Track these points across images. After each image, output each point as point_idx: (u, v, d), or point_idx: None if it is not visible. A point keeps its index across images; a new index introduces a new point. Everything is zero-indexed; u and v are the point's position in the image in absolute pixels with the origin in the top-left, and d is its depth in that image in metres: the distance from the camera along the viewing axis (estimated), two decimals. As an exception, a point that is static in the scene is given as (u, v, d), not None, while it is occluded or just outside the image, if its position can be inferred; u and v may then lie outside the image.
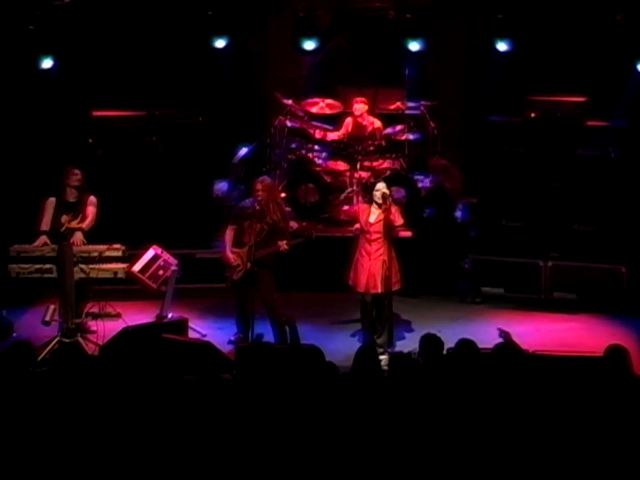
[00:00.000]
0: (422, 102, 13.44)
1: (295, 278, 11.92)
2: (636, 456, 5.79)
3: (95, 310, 10.02)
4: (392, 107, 13.53)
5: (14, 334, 10.31)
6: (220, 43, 13.82)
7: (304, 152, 13.42)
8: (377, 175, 12.67)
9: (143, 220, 12.69)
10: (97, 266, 9.93)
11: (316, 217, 13.01)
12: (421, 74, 14.22)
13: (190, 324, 10.35)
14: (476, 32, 14.34)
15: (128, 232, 11.26)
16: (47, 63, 12.98)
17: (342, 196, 13.01)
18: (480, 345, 7.08)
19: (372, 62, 14.36)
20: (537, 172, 12.63)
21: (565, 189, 12.55)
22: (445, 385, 6.39)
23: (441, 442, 5.86)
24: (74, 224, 10.44)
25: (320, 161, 13.34)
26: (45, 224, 10.28)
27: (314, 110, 13.48)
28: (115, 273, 10.02)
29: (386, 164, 13.21)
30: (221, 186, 13.79)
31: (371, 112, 13.37)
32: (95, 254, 9.99)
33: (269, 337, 10.22)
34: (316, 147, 13.38)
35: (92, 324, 10.17)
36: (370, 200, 10.21)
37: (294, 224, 12.16)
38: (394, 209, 10.13)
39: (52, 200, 10.45)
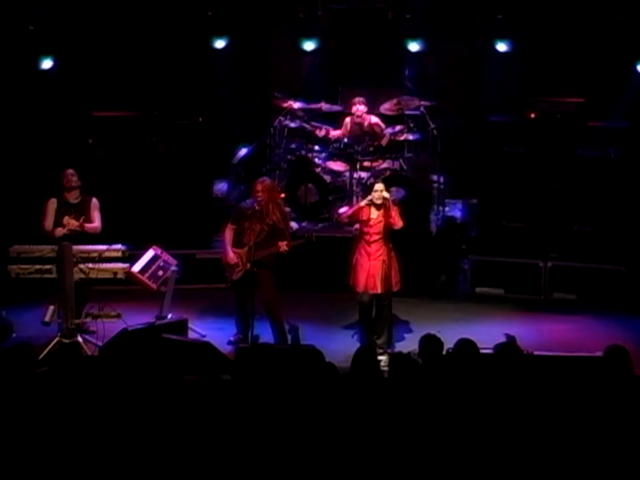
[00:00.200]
0: (422, 103, 13.43)
1: (296, 278, 11.92)
2: (636, 456, 5.78)
3: (94, 310, 10.00)
4: (393, 109, 13.53)
5: (14, 335, 10.30)
6: (220, 43, 13.84)
7: (303, 152, 13.42)
8: (377, 176, 12.67)
9: (143, 221, 12.69)
10: (96, 267, 9.93)
11: (316, 217, 13.02)
12: (421, 74, 14.24)
13: (190, 325, 10.34)
14: (476, 33, 14.35)
15: (128, 233, 11.26)
16: (47, 63, 13.01)
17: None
18: (480, 346, 7.08)
19: (372, 63, 14.37)
20: (537, 172, 12.63)
21: (565, 190, 12.56)
22: (445, 385, 6.39)
23: (441, 442, 5.86)
24: (76, 225, 10.45)
25: (320, 161, 13.34)
26: (49, 225, 10.30)
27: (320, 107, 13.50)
28: (115, 273, 10.03)
29: (385, 164, 13.21)
30: (221, 186, 13.81)
31: (370, 111, 13.36)
32: (95, 255, 10.00)
33: (269, 337, 10.21)
34: (316, 147, 13.38)
35: (92, 325, 10.16)
36: (369, 201, 10.19)
37: (293, 225, 12.17)
38: (394, 212, 10.12)
39: (53, 201, 10.46)
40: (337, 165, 13.32)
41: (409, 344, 9.95)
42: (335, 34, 14.40)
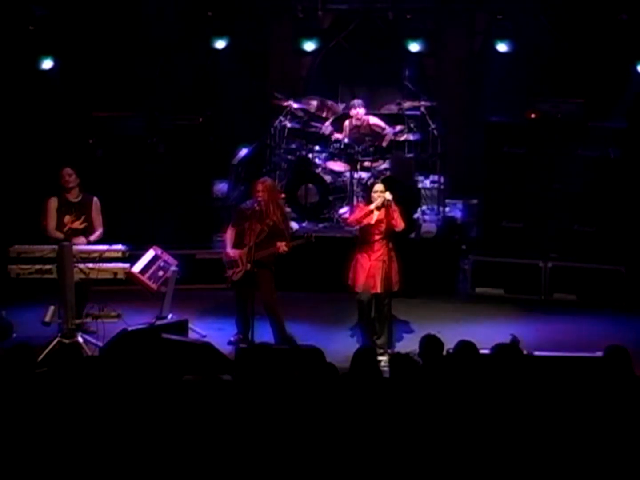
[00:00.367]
0: (422, 103, 13.43)
1: (296, 278, 11.92)
2: (637, 456, 5.78)
3: (95, 311, 10.01)
4: (392, 107, 13.53)
5: (14, 335, 10.30)
6: (220, 43, 13.83)
7: (304, 152, 13.42)
8: (377, 176, 12.67)
9: (143, 221, 12.69)
10: (97, 267, 9.93)
11: (316, 217, 13.02)
12: (421, 74, 14.24)
13: (190, 325, 10.34)
14: (476, 33, 14.35)
15: (128, 233, 11.26)
16: (47, 64, 12.99)
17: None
18: (480, 346, 7.08)
19: (372, 63, 14.38)
20: (537, 173, 12.62)
21: (565, 190, 12.55)
22: (445, 386, 6.39)
23: (441, 443, 5.86)
24: (76, 225, 10.45)
25: (320, 162, 13.34)
26: (53, 228, 10.31)
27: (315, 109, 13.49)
28: (115, 274, 10.03)
29: (386, 165, 13.22)
30: (221, 187, 13.80)
31: (369, 112, 13.36)
32: (96, 255, 10.00)
33: (269, 337, 10.21)
34: (316, 147, 13.39)
35: (92, 325, 10.16)
36: (368, 201, 10.20)
37: (294, 225, 12.18)
38: (395, 214, 10.13)
39: (53, 200, 10.45)
40: (337, 166, 13.32)
41: (409, 344, 9.95)
42: (335, 34, 14.40)
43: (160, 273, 10.36)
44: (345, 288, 10.46)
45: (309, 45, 14.03)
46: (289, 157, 13.64)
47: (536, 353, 8.19)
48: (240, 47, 14.20)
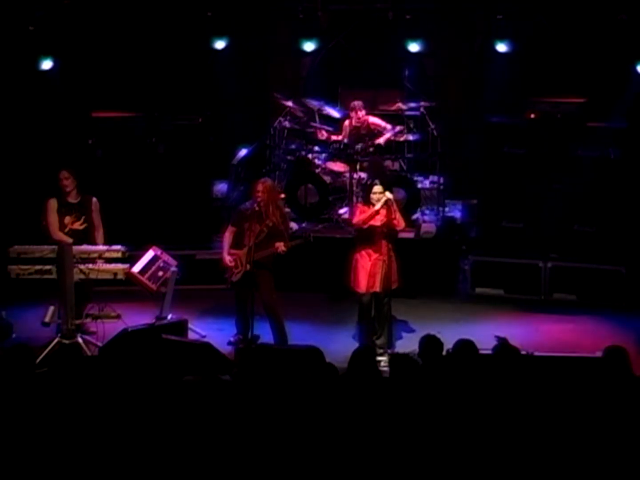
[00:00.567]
0: (422, 103, 13.43)
1: (296, 279, 11.93)
2: (636, 456, 5.78)
3: (94, 311, 10.02)
4: (392, 108, 13.52)
5: (14, 335, 10.30)
6: (220, 44, 13.83)
7: (303, 153, 13.42)
8: (376, 177, 12.66)
9: (143, 221, 12.69)
10: (96, 267, 9.93)
11: (316, 217, 13.02)
12: (421, 75, 14.24)
13: (190, 325, 10.34)
14: (476, 33, 14.35)
15: (128, 233, 11.26)
16: (47, 64, 13.00)
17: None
18: (479, 347, 7.08)
19: (372, 63, 14.37)
20: (537, 173, 12.62)
21: (565, 190, 12.55)
22: (445, 386, 6.39)
23: (441, 443, 5.86)
24: (77, 226, 10.45)
25: (319, 162, 13.34)
26: (56, 230, 10.30)
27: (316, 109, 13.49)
28: (115, 274, 10.03)
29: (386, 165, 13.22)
30: (221, 187, 13.80)
31: (369, 112, 13.35)
32: (95, 255, 10.00)
33: (269, 337, 10.22)
34: (316, 147, 13.39)
35: (92, 325, 10.16)
36: (367, 201, 10.20)
37: (293, 225, 12.17)
38: (397, 213, 10.14)
39: (52, 202, 10.44)
40: (337, 166, 13.32)
41: (408, 344, 9.95)
42: (335, 34, 14.40)
43: (160, 273, 10.36)
44: (345, 288, 10.47)
45: (309, 46, 14.02)
46: (289, 157, 13.64)
47: (536, 353, 8.19)
48: (240, 47, 14.19)
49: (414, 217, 12.90)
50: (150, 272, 10.32)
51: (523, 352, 7.47)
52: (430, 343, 7.01)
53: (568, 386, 6.51)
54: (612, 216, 12.36)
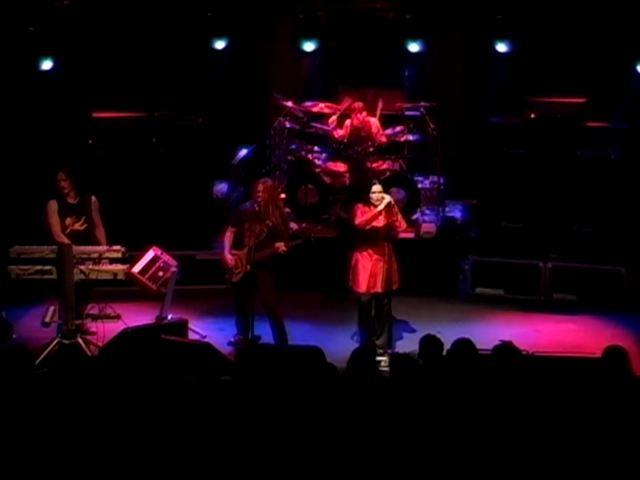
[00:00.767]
0: (422, 103, 13.43)
1: (296, 279, 11.93)
2: (636, 457, 5.78)
3: (95, 311, 10.02)
4: (392, 107, 13.53)
5: (14, 336, 10.31)
6: (220, 44, 13.83)
7: (303, 153, 13.42)
8: (376, 177, 12.66)
9: (143, 222, 12.69)
10: (96, 267, 9.93)
11: (316, 218, 13.02)
12: (421, 75, 14.24)
13: (190, 325, 10.34)
14: (476, 33, 14.35)
15: (128, 234, 11.25)
16: (47, 64, 13.00)
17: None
18: (480, 347, 7.08)
19: (372, 63, 14.38)
20: (536, 173, 12.63)
21: (565, 190, 12.55)
22: (445, 386, 6.39)
23: (441, 443, 5.86)
24: (77, 226, 10.45)
25: (319, 162, 13.34)
26: (58, 233, 10.29)
27: (315, 109, 13.47)
28: (115, 274, 10.02)
29: (386, 165, 13.22)
30: (221, 187, 13.81)
31: (370, 113, 13.34)
32: (95, 256, 10.00)
33: (269, 337, 10.22)
34: (316, 147, 13.39)
35: (92, 325, 10.16)
36: (367, 202, 10.20)
37: (293, 225, 12.17)
38: (399, 215, 10.15)
39: (52, 203, 10.43)
40: (337, 166, 13.32)
41: (409, 344, 9.95)
42: (335, 34, 14.40)
43: (160, 273, 10.36)
44: (344, 288, 10.47)
45: (309, 46, 14.03)
46: (289, 157, 13.64)
47: (536, 353, 8.19)
48: (240, 47, 14.20)
49: (414, 217, 12.91)
50: (150, 272, 10.32)
51: (523, 352, 7.47)
52: (430, 343, 7.01)
53: (568, 386, 6.52)
54: (612, 216, 12.36)
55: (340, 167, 13.27)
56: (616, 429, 5.94)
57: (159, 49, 13.70)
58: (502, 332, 10.32)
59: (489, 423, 6.01)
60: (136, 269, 10.25)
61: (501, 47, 13.36)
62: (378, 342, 10.15)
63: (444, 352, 7.10)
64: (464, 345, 6.87)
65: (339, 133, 13.18)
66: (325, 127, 13.35)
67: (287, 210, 12.21)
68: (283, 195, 12.50)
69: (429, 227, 12.90)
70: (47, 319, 9.93)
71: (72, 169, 10.51)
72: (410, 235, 12.56)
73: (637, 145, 12.45)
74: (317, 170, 13.25)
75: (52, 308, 9.95)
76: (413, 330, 10.82)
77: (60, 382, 6.32)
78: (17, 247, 9.98)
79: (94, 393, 6.22)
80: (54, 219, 10.35)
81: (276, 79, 14.53)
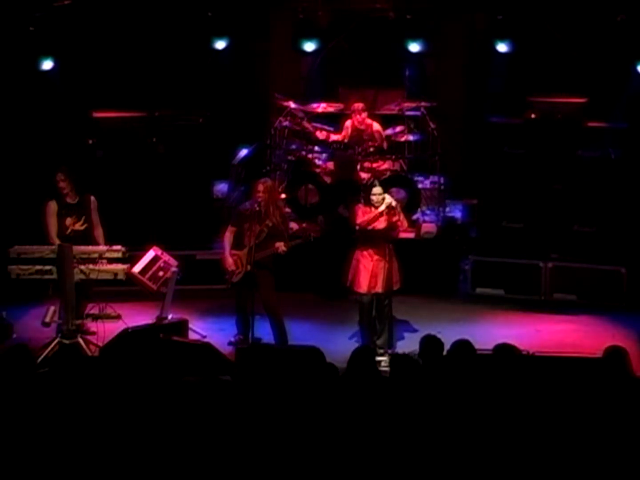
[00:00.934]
0: (423, 103, 13.43)
1: (296, 279, 11.94)
2: (636, 457, 5.78)
3: (95, 311, 10.02)
4: (393, 108, 13.52)
5: (14, 336, 10.31)
6: (220, 44, 13.83)
7: (304, 153, 13.41)
8: (376, 177, 12.67)
9: (143, 222, 12.69)
10: (97, 267, 9.93)
11: (316, 218, 13.02)
12: (421, 75, 14.24)
13: (191, 325, 10.35)
14: (476, 33, 14.35)
15: (128, 233, 11.26)
16: (47, 64, 12.99)
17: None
18: (480, 347, 7.09)
19: (372, 63, 14.38)
20: (537, 173, 12.63)
21: (565, 190, 12.55)
22: (445, 386, 6.39)
23: (441, 443, 5.86)
24: (78, 226, 10.46)
25: (320, 162, 13.34)
26: (55, 235, 10.30)
27: (319, 110, 13.47)
28: (115, 274, 10.03)
29: (386, 165, 13.22)
30: (221, 187, 13.80)
31: (371, 113, 13.34)
32: (96, 255, 10.00)
33: (269, 337, 10.22)
34: (316, 148, 13.38)
35: (92, 325, 10.16)
36: (368, 202, 10.20)
37: (293, 225, 12.17)
38: (401, 215, 10.15)
39: (52, 204, 10.43)
40: (337, 166, 13.31)
41: (409, 344, 9.97)
42: (335, 34, 14.40)
43: (161, 273, 10.36)
44: (344, 288, 10.47)
45: (309, 46, 14.01)
46: (289, 157, 13.63)
47: (536, 353, 8.19)
48: (240, 47, 14.19)
49: (415, 217, 12.90)
50: (150, 272, 10.32)
51: (523, 352, 7.47)
52: (430, 343, 7.01)
53: (568, 386, 6.51)
54: (612, 216, 12.36)
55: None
56: (616, 429, 5.94)
57: (159, 48, 13.69)
58: (502, 332, 10.32)
59: (489, 423, 6.01)
60: (136, 268, 10.25)
61: (501, 47, 13.35)
62: (378, 342, 10.15)
63: (444, 352, 7.11)
64: (462, 347, 6.88)
65: (334, 139, 13.19)
66: (321, 137, 13.34)
67: (287, 210, 12.21)
68: (283, 195, 12.50)
69: (429, 227, 12.90)
70: (47, 319, 9.93)
71: (71, 169, 10.51)
72: (411, 235, 12.57)
73: (637, 145, 12.45)
74: (318, 170, 13.24)
75: (52, 308, 9.96)
76: (413, 330, 10.83)
77: (61, 382, 6.32)
78: (17, 247, 9.98)
79: (94, 393, 6.22)
80: (51, 221, 10.34)
81: (276, 79, 14.52)
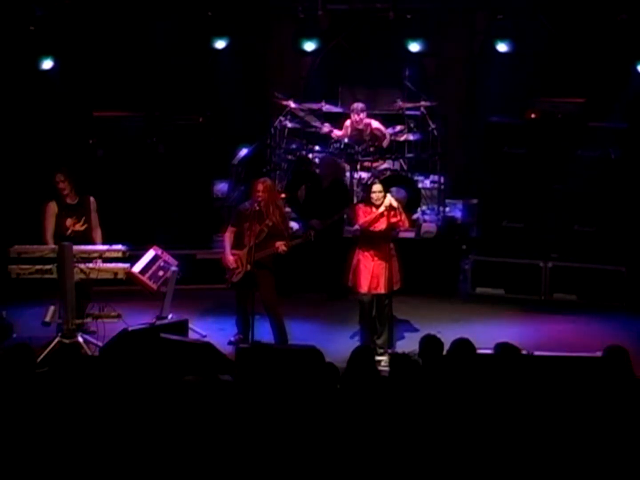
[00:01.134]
0: (422, 103, 13.43)
1: (296, 279, 11.94)
2: (636, 456, 5.78)
3: (95, 311, 10.03)
4: (393, 107, 13.53)
5: (14, 335, 10.30)
6: (220, 44, 13.83)
7: (304, 152, 13.42)
8: (376, 176, 12.67)
9: (143, 221, 12.69)
10: (97, 267, 9.93)
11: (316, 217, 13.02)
12: (421, 74, 14.24)
13: (191, 325, 10.34)
14: (476, 33, 14.35)
15: (128, 233, 11.26)
16: (47, 64, 12.99)
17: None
18: (480, 346, 7.08)
19: (372, 63, 14.38)
20: (537, 173, 12.62)
21: (565, 190, 12.55)
22: (445, 386, 6.39)
23: (441, 442, 5.86)
24: (78, 227, 10.46)
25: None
26: (51, 237, 10.29)
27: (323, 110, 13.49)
28: (116, 274, 10.03)
29: (386, 165, 13.23)
30: (221, 187, 13.80)
31: (370, 113, 13.34)
32: (96, 255, 10.00)
33: (269, 337, 10.22)
34: (316, 147, 13.38)
35: (92, 325, 10.16)
36: (368, 201, 10.20)
37: (293, 225, 12.16)
38: (402, 215, 10.15)
39: (52, 205, 10.43)
40: (337, 165, 13.32)
41: (409, 344, 9.96)
42: (335, 34, 14.40)
43: (161, 273, 10.36)
44: (344, 287, 10.48)
45: (309, 45, 14.02)
46: (289, 157, 13.63)
47: (536, 353, 8.19)
48: (240, 47, 14.20)
49: (415, 216, 12.91)
50: (150, 271, 10.32)
51: (523, 352, 7.47)
52: (430, 343, 7.01)
53: (568, 386, 6.52)
54: (612, 216, 12.35)
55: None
56: (617, 428, 5.94)
57: (159, 48, 13.68)
58: (503, 332, 10.31)
59: (489, 423, 6.01)
60: (136, 268, 10.25)
61: (501, 47, 13.35)
62: (378, 342, 10.15)
63: (444, 352, 7.11)
64: (462, 346, 6.88)
65: (337, 134, 13.20)
66: (321, 131, 13.35)
67: (287, 209, 12.21)
68: (283, 195, 12.49)
69: (429, 226, 12.90)
70: (48, 319, 9.94)
71: (70, 170, 10.52)
72: (411, 235, 12.57)
73: (637, 145, 12.44)
74: (318, 169, 13.23)
75: (52, 307, 9.96)
76: (413, 330, 10.83)
77: (61, 382, 6.32)
78: (17, 246, 10.00)
79: (94, 393, 6.22)
80: (49, 222, 10.36)
81: (276, 78, 14.53)
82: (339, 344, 10.02)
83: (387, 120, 13.48)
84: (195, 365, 7.92)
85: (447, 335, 7.75)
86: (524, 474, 5.77)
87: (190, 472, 5.69)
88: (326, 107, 13.48)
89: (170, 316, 10.31)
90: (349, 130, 13.23)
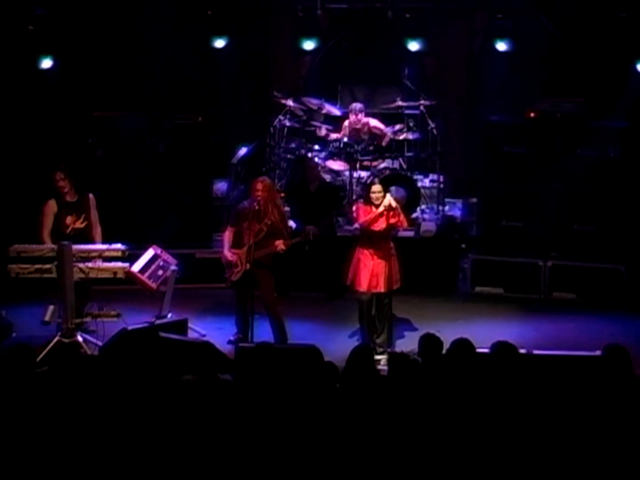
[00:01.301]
0: (422, 102, 13.44)
1: (296, 278, 11.94)
2: (636, 456, 5.78)
3: (94, 310, 10.02)
4: (392, 106, 13.54)
5: (14, 334, 10.31)
6: (220, 43, 13.83)
7: (303, 151, 13.42)
8: (376, 175, 12.68)
9: (143, 220, 12.69)
10: (96, 266, 9.93)
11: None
12: (421, 73, 14.24)
13: (190, 324, 10.34)
14: (476, 32, 14.35)
15: (128, 232, 11.26)
16: (46, 63, 12.99)
17: None
18: (480, 346, 7.08)
19: (372, 62, 14.38)
20: (536, 172, 12.62)
21: (565, 189, 12.55)
22: (445, 385, 6.39)
23: (441, 442, 5.86)
24: (78, 225, 10.46)
25: (319, 161, 13.34)
26: (47, 234, 10.30)
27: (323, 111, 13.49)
28: (115, 273, 10.03)
29: (385, 164, 13.23)
30: (221, 186, 13.80)
31: (369, 112, 13.35)
32: (95, 254, 10.00)
33: (269, 336, 10.21)
34: (316, 146, 13.39)
35: (92, 324, 10.16)
36: (368, 201, 10.21)
37: (292, 224, 12.16)
38: (401, 215, 10.16)
39: (51, 203, 10.43)
40: (336, 165, 13.32)
41: (408, 343, 9.96)
42: (335, 33, 14.40)
43: (160, 272, 10.35)
44: (344, 287, 10.47)
45: (309, 45, 14.03)
46: (289, 156, 13.64)
47: (535, 352, 8.19)
48: (240, 47, 14.20)
49: (414, 215, 12.91)
50: (150, 271, 10.32)
51: (522, 351, 7.48)
52: (429, 342, 7.02)
53: (567, 385, 6.52)
54: (611, 215, 12.36)
55: (340, 165, 13.26)
56: (616, 428, 5.94)
57: (159, 48, 13.68)
58: (502, 331, 10.31)
59: (488, 422, 6.01)
60: (136, 267, 10.24)
61: (501, 47, 13.36)
62: (378, 341, 10.15)
63: (444, 351, 7.11)
64: (462, 345, 6.88)
65: (334, 137, 13.20)
66: (320, 134, 13.35)
67: (286, 209, 12.21)
68: (282, 194, 12.49)
69: (428, 225, 12.90)
70: (47, 318, 9.94)
71: (69, 168, 10.52)
72: (410, 234, 12.57)
73: (637, 144, 12.44)
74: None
75: (51, 307, 9.96)
76: (413, 329, 10.82)
77: (60, 381, 6.32)
78: (17, 245, 9.99)
79: (94, 392, 6.22)
80: (46, 220, 10.36)
81: (276, 78, 14.53)
82: (338, 343, 10.02)
83: (386, 119, 13.49)
84: (194, 364, 7.94)
85: (447, 334, 7.76)
86: (524, 474, 5.77)
87: (190, 472, 5.69)
88: (326, 109, 13.48)
89: (169, 315, 10.31)
90: (347, 130, 13.23)
